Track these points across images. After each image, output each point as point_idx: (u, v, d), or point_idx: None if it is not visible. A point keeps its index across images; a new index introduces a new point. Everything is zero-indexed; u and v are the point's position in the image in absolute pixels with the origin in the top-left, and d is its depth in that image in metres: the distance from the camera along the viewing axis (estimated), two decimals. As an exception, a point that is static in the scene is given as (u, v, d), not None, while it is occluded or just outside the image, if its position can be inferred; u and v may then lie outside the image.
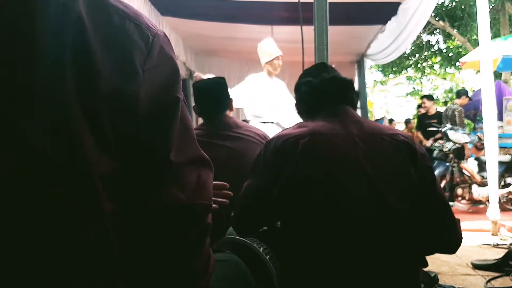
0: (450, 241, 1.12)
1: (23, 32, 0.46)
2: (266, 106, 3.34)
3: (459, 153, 4.93)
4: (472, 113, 6.69)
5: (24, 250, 0.45)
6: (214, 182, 1.09)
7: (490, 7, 9.13)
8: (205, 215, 0.59)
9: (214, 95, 1.81)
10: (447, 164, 4.99)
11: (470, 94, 6.50)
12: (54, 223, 0.46)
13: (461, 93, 6.15)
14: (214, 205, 1.03)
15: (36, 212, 0.45)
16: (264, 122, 3.32)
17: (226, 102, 1.82)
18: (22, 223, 0.45)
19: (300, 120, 1.32)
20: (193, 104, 1.87)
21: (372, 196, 1.02)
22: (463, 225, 3.91)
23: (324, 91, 1.23)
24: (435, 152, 5.13)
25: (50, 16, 0.47)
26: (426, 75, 15.05)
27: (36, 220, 0.45)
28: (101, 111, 0.50)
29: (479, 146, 5.16)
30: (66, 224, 0.47)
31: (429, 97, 6.87)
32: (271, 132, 2.30)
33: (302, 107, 1.31)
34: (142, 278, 0.55)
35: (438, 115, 6.30)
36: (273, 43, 3.51)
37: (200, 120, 1.90)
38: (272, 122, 3.37)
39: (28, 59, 0.46)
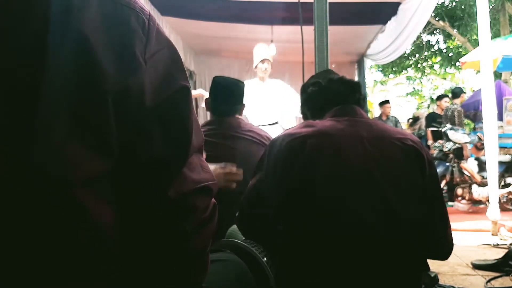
0: (445, 248, 1.13)
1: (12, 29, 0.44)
2: (259, 110, 3.40)
3: (459, 153, 4.93)
4: (472, 113, 6.70)
5: (23, 250, 0.45)
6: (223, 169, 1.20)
7: (490, 7, 9.13)
8: (213, 194, 0.61)
9: (232, 96, 1.82)
10: (447, 164, 4.99)
11: (470, 94, 6.52)
12: (50, 224, 0.46)
13: (459, 92, 6.13)
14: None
15: (31, 213, 0.45)
16: (266, 124, 3.36)
17: (240, 106, 1.84)
18: (20, 224, 0.45)
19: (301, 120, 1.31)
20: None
21: (378, 200, 1.01)
22: (463, 225, 3.86)
23: (333, 89, 1.22)
24: (435, 152, 5.13)
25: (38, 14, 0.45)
26: (426, 75, 15.04)
27: (33, 221, 0.45)
28: (103, 110, 0.47)
29: (479, 146, 5.16)
30: (63, 225, 0.46)
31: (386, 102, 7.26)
32: (274, 133, 2.33)
33: (308, 108, 1.29)
34: (151, 264, 0.55)
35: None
36: (263, 47, 3.56)
37: (200, 119, 1.91)
38: (276, 123, 3.41)
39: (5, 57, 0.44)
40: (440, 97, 6.72)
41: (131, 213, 0.53)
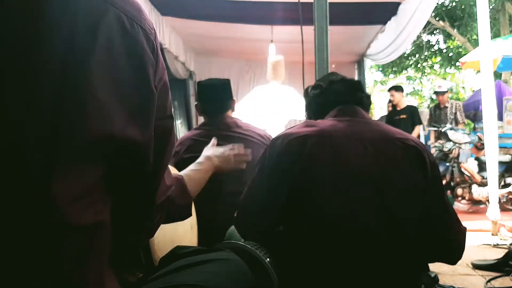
0: (453, 253, 1.11)
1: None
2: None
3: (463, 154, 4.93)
4: (472, 113, 6.70)
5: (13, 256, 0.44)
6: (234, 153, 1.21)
7: (490, 7, 9.13)
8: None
9: (218, 94, 1.83)
10: (447, 164, 4.98)
11: (470, 94, 6.50)
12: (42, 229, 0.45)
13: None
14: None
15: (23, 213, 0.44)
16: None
17: (228, 102, 1.84)
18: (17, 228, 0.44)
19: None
20: (193, 103, 1.89)
21: (378, 200, 1.00)
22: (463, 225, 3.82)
23: (333, 90, 1.22)
24: (435, 152, 5.13)
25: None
26: (426, 75, 15.03)
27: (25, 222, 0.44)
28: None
29: (479, 146, 5.16)
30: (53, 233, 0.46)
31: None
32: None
33: (311, 110, 1.29)
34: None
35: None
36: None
37: (200, 119, 1.91)
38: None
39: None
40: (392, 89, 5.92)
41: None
